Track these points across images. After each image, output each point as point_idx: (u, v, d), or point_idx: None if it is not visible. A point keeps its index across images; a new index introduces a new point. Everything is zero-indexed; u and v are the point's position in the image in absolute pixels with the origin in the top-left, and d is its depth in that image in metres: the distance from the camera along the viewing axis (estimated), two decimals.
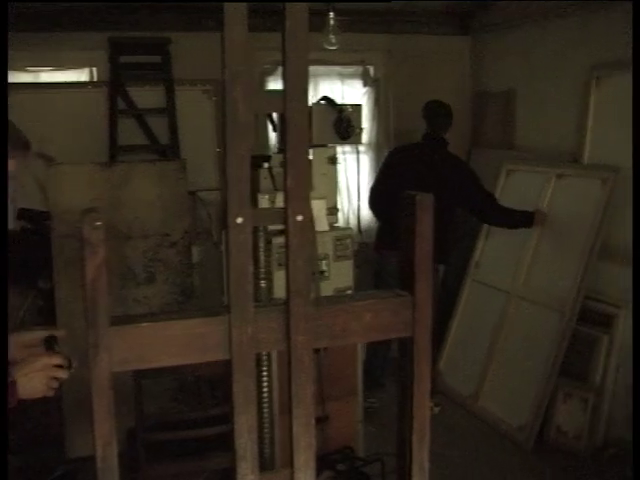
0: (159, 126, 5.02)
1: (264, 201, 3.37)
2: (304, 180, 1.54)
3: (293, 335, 1.59)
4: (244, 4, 1.50)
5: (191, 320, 1.53)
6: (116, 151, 4.88)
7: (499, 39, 5.39)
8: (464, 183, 4.56)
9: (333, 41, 4.06)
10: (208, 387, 4.33)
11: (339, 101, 5.26)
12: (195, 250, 4.41)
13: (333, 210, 3.58)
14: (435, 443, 4.32)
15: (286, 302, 1.58)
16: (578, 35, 4.62)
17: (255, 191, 3.40)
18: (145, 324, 1.48)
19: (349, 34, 5.33)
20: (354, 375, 3.64)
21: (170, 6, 4.94)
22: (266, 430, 1.81)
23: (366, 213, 5.22)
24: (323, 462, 3.47)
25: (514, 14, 5.05)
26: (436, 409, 4.77)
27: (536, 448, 4.27)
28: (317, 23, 5.24)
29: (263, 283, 1.74)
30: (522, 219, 4.60)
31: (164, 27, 4.99)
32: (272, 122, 3.69)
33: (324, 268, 3.51)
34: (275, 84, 5.27)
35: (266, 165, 3.42)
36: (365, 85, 5.45)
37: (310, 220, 1.57)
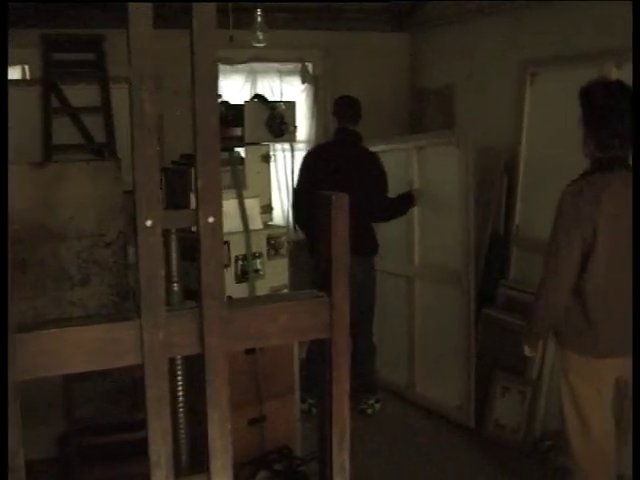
0: (95, 125, 4.94)
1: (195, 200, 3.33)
2: (215, 181, 1.52)
3: (207, 338, 1.57)
4: (149, 4, 1.47)
5: (101, 325, 1.50)
6: (50, 151, 4.79)
7: (437, 36, 5.42)
8: (376, 178, 4.56)
9: (260, 38, 4.03)
10: None
11: (277, 98, 5.30)
12: (131, 250, 4.34)
13: (267, 208, 3.56)
14: (381, 436, 4.37)
15: (199, 305, 1.56)
16: (513, 32, 4.67)
17: (187, 191, 3.37)
18: (54, 330, 1.45)
19: (287, 31, 5.33)
20: (291, 374, 3.63)
21: (105, 3, 4.86)
22: (183, 435, 1.79)
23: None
24: (260, 462, 3.45)
25: (451, 11, 5.08)
26: (377, 405, 4.79)
27: (475, 441, 4.32)
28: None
29: (176, 286, 1.70)
30: (406, 203, 4.65)
31: (98, 24, 4.91)
32: None
33: (259, 267, 3.49)
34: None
35: None
36: (304, 82, 5.43)
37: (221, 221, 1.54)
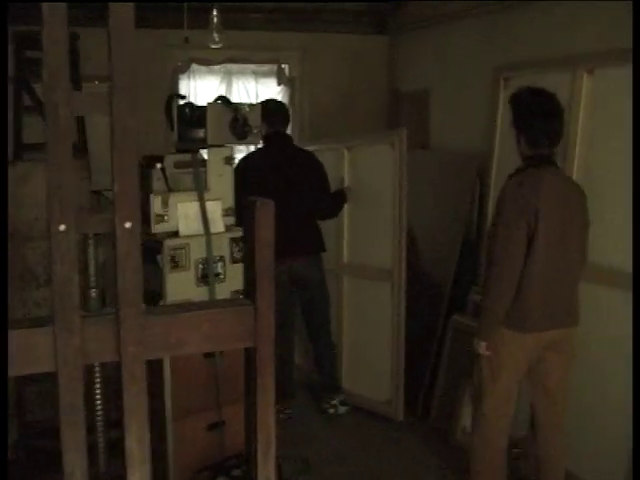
0: None
1: (157, 202, 3.30)
2: (132, 185, 1.48)
3: (123, 346, 1.53)
4: (63, 4, 1.44)
5: (17, 331, 1.47)
6: (21, 149, 4.75)
7: (414, 39, 5.39)
8: (320, 176, 4.59)
9: (216, 39, 3.99)
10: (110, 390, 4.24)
11: (253, 100, 5.27)
12: (100, 251, 4.30)
13: (230, 211, 3.52)
14: (312, 438, 4.27)
15: (116, 312, 1.53)
16: (487, 36, 4.64)
17: (148, 192, 3.34)
18: None
19: (264, 32, 5.30)
20: None
21: (78, 1, 4.81)
22: (101, 444, 1.77)
23: None
24: (219, 468, 3.41)
25: (427, 14, 5.05)
26: (342, 408, 4.77)
27: (442, 448, 4.29)
28: (237, 20, 5.21)
29: (94, 292, 1.66)
30: (341, 200, 4.70)
31: (72, 22, 4.84)
32: (170, 120, 3.61)
33: (219, 270, 3.45)
34: (187, 82, 5.19)
35: (159, 166, 3.35)
36: (279, 84, 5.39)
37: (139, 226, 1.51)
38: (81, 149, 4.89)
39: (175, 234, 3.36)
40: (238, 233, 3.53)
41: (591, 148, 3.85)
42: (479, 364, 3.37)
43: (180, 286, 3.34)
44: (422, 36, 5.29)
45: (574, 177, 3.88)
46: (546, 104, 3.20)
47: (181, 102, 3.59)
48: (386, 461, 4.20)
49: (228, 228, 3.52)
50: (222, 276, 3.46)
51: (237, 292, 3.52)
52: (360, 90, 5.52)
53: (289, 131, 4.74)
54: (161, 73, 5.10)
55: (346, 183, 4.76)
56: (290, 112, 4.70)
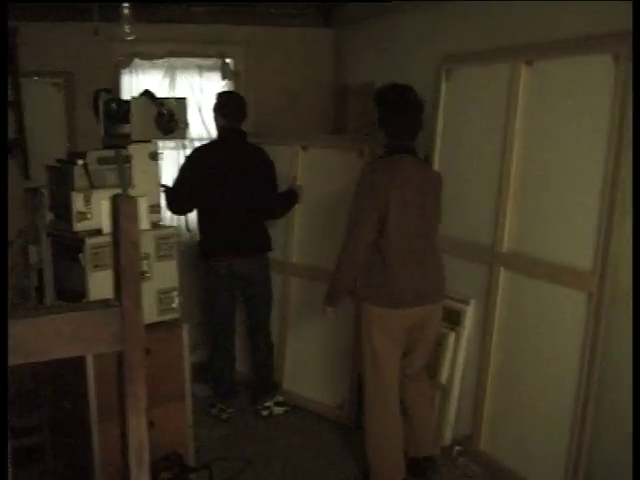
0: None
1: (78, 200, 3.22)
2: None
3: None
4: None
5: None
6: None
7: (359, 31, 5.32)
8: (269, 175, 4.55)
9: (128, 31, 3.91)
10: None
11: (197, 95, 5.19)
12: (34, 250, 4.22)
13: (156, 208, 3.45)
14: (262, 443, 4.23)
15: None
16: (429, 27, 4.59)
17: (69, 190, 3.26)
18: None
19: (208, 26, 5.22)
20: (181, 378, 3.52)
21: None
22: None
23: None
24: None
25: (371, 6, 4.98)
26: (277, 409, 4.71)
27: None
28: (180, 13, 5.13)
29: None
30: (292, 199, 4.67)
31: (11, 16, 4.75)
32: (96, 113, 3.52)
33: (145, 268, 3.38)
34: (130, 77, 5.10)
35: (80, 162, 3.28)
36: (224, 78, 5.31)
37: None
38: (20, 146, 4.80)
39: (99, 232, 3.29)
40: (164, 230, 3.46)
41: (530, 139, 3.80)
42: (360, 343, 3.67)
43: (104, 285, 3.25)
44: (366, 28, 5.22)
45: (512, 168, 3.86)
46: (406, 100, 3.52)
47: (108, 97, 3.51)
48: (329, 462, 4.14)
49: (154, 225, 3.45)
50: (148, 274, 3.40)
51: (163, 291, 3.46)
52: (307, 84, 5.45)
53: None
54: (103, 68, 5.01)
55: (298, 182, 4.70)
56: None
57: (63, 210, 3.28)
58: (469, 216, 4.21)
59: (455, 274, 4.30)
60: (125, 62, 5.06)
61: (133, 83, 5.11)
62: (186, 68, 5.24)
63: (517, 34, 3.93)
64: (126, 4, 3.73)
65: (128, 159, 3.38)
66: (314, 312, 4.67)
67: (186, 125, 3.50)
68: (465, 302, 4.21)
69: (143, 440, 1.60)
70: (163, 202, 4.66)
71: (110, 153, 3.40)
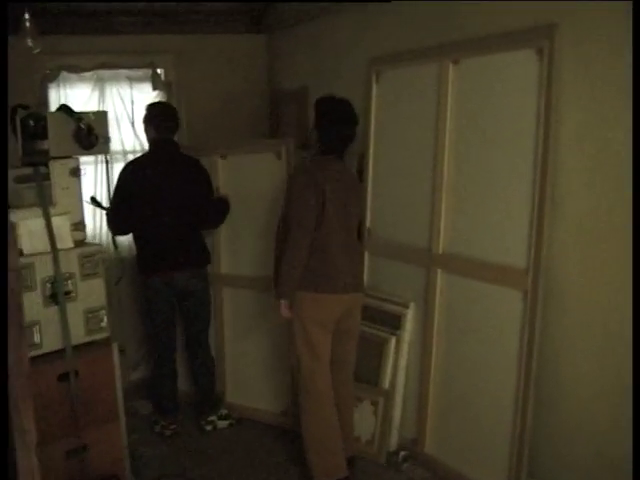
0: None
1: None
2: None
3: None
4: None
5: None
6: None
7: (289, 36, 5.27)
8: (207, 185, 4.48)
9: (31, 44, 3.80)
10: None
11: (128, 107, 5.09)
12: None
13: (79, 226, 3.35)
14: (205, 459, 4.12)
15: None
16: (358, 29, 4.55)
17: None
18: None
19: (136, 36, 5.13)
20: (113, 399, 3.43)
21: None
22: None
23: None
24: None
25: (301, 10, 4.94)
26: (221, 422, 4.63)
27: None
28: (106, 24, 5.03)
29: None
30: (225, 206, 4.59)
31: None
32: (14, 130, 3.41)
33: (70, 288, 3.28)
34: (57, 90, 4.98)
35: None
36: (155, 89, 5.21)
37: None
38: None
39: (20, 253, 3.18)
40: (89, 248, 3.37)
41: (461, 139, 3.78)
42: (294, 339, 3.77)
43: (27, 308, 3.14)
44: (297, 32, 5.16)
45: (445, 168, 3.83)
46: (343, 112, 3.73)
47: (25, 113, 3.41)
48: (272, 474, 4.07)
49: (78, 243, 3.36)
50: (73, 294, 3.30)
51: (90, 310, 3.37)
52: (240, 92, 5.38)
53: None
54: (29, 82, 4.88)
55: (222, 191, 4.60)
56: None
57: None
58: (405, 219, 4.17)
59: (394, 278, 4.28)
60: (52, 75, 4.94)
61: (61, 97, 4.98)
62: (116, 80, 5.13)
63: (444, 33, 3.90)
64: (27, 16, 3.59)
65: (47, 176, 3.27)
66: (249, 320, 4.72)
67: (106, 139, 3.40)
68: (405, 305, 4.16)
69: (35, 474, 1.52)
70: (90, 220, 4.58)
71: (28, 171, 3.29)
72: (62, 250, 3.26)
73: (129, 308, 5.04)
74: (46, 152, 3.29)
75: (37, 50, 3.77)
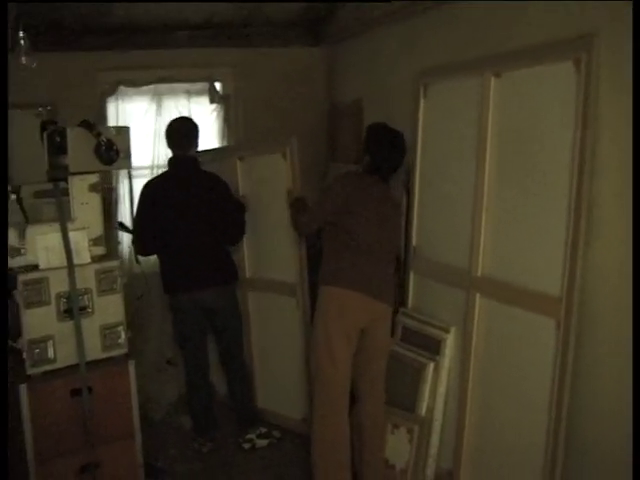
0: None
1: (11, 235, 3.15)
2: None
3: None
4: None
5: None
6: None
7: (346, 49, 5.17)
8: (227, 199, 4.35)
9: (24, 62, 3.79)
10: None
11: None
12: None
13: (98, 241, 3.35)
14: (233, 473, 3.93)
15: None
16: (408, 41, 4.41)
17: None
18: None
19: (193, 50, 5.14)
20: (129, 416, 3.40)
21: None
22: None
23: None
24: None
25: (357, 21, 4.83)
26: (260, 441, 4.54)
27: None
28: (163, 39, 5.06)
29: None
30: (241, 211, 4.50)
31: None
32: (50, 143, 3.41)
33: (86, 303, 3.28)
34: (115, 104, 5.05)
35: (13, 196, 3.21)
36: (212, 102, 5.21)
37: None
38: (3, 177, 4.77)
39: (35, 267, 3.20)
40: (108, 264, 3.36)
41: (502, 157, 3.58)
42: (314, 340, 3.77)
43: (40, 322, 3.18)
44: (352, 45, 5.06)
45: (485, 187, 3.63)
46: (392, 143, 3.87)
47: (52, 129, 3.43)
48: None
49: (97, 259, 3.35)
50: (89, 309, 3.30)
51: (107, 326, 3.35)
52: (297, 105, 5.31)
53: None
54: (88, 97, 4.97)
55: (241, 192, 4.57)
56: (197, 130, 4.32)
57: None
58: (448, 238, 3.99)
59: (437, 299, 4.10)
60: (110, 90, 5.01)
61: (119, 111, 5.05)
62: (173, 93, 5.16)
63: (487, 44, 3.73)
64: (21, 34, 3.61)
65: (67, 192, 3.28)
66: (275, 324, 4.67)
67: (127, 154, 3.38)
68: (446, 330, 3.97)
69: None
70: (125, 239, 4.61)
71: (47, 186, 3.32)
72: (79, 265, 3.26)
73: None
74: (67, 167, 3.30)
75: (33, 65, 3.79)
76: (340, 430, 3.69)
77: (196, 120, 4.40)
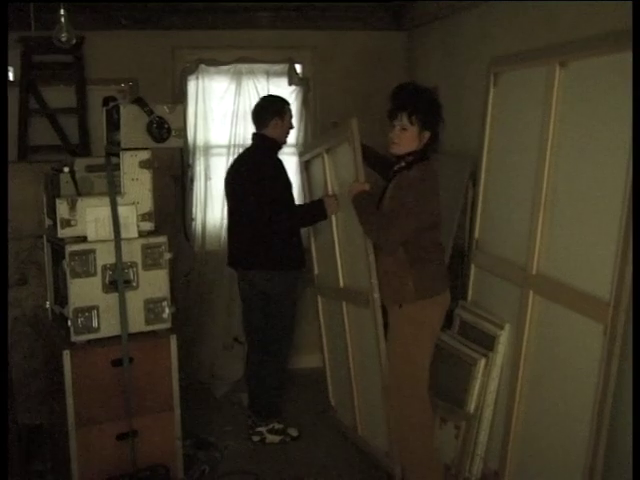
0: (73, 126, 4.99)
1: (62, 207, 3.25)
2: None
3: None
4: None
5: None
6: (26, 151, 4.88)
7: (426, 34, 5.05)
8: (255, 188, 4.14)
9: (64, 40, 3.84)
10: None
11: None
12: None
13: (147, 216, 3.41)
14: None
15: None
16: (482, 28, 4.28)
17: (55, 196, 3.31)
18: None
19: (274, 31, 5.16)
20: (169, 389, 3.46)
21: (85, 4, 4.87)
22: None
23: (212, 221, 5.20)
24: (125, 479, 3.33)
25: (438, 7, 4.72)
26: (271, 437, 4.42)
27: None
28: (246, 19, 5.11)
29: None
30: (314, 212, 4.17)
31: (78, 26, 4.91)
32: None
33: (130, 277, 3.36)
34: (196, 83, 5.13)
35: (66, 169, 3.31)
36: (291, 84, 5.21)
37: None
38: (86, 151, 4.96)
39: (85, 239, 3.30)
40: (155, 239, 3.43)
41: (563, 151, 3.43)
42: (405, 353, 3.62)
43: (86, 292, 3.28)
44: (433, 30, 4.94)
45: (544, 181, 3.50)
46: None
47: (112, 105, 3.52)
48: None
49: (145, 234, 3.42)
50: (134, 283, 3.37)
51: (151, 300, 3.43)
52: (377, 89, 5.21)
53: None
54: (169, 74, 5.08)
55: (330, 190, 4.23)
56: (262, 111, 4.28)
57: (54, 216, 3.33)
58: (509, 233, 3.87)
59: (495, 294, 4.00)
60: (191, 68, 5.09)
61: (199, 89, 5.13)
62: (253, 73, 5.19)
63: (553, 34, 3.58)
64: (62, 11, 3.68)
65: (118, 167, 3.36)
66: (359, 338, 4.23)
67: (180, 133, 3.42)
68: (500, 326, 3.86)
69: None
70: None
71: (99, 160, 3.41)
72: (126, 239, 3.33)
73: None
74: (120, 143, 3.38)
75: (73, 42, 3.87)
76: (433, 432, 3.76)
77: (282, 97, 4.41)
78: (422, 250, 3.56)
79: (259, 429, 4.41)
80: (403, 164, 3.58)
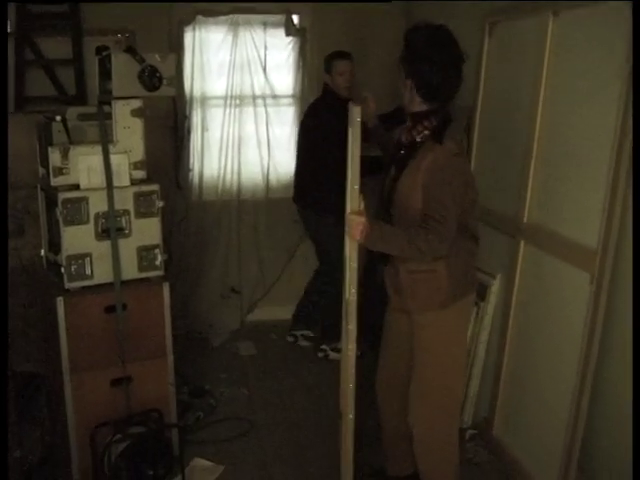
0: (69, 76, 4.98)
1: (55, 155, 3.27)
2: None
3: None
4: None
5: None
6: (23, 102, 4.88)
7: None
8: (309, 132, 4.81)
9: None
10: None
11: (261, 52, 5.12)
12: None
13: (139, 164, 3.43)
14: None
15: None
16: None
17: (48, 145, 3.32)
18: None
19: None
20: (162, 335, 3.51)
21: None
22: None
23: (209, 172, 5.29)
24: (120, 424, 3.39)
25: None
26: (334, 354, 4.76)
27: None
28: None
29: None
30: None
31: None
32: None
33: (123, 225, 3.38)
34: (193, 34, 5.10)
35: (58, 118, 3.32)
36: (288, 35, 5.18)
37: None
38: (82, 102, 4.96)
39: (77, 187, 3.33)
40: (147, 187, 3.45)
41: (554, 100, 3.43)
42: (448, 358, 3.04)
43: (79, 240, 3.31)
44: None
45: (536, 132, 3.50)
46: (449, 50, 2.81)
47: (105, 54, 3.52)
48: None
49: (137, 182, 3.44)
50: (126, 231, 3.40)
51: (144, 248, 3.46)
52: (374, 43, 5.21)
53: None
54: (165, 26, 5.05)
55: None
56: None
57: (47, 165, 3.35)
58: (501, 185, 3.90)
59: (486, 245, 3.99)
60: (188, 19, 5.06)
61: (196, 40, 5.11)
62: (250, 24, 5.15)
63: None
64: None
65: (110, 116, 3.37)
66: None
67: (171, 81, 3.42)
68: (492, 276, 3.91)
69: None
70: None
71: (91, 109, 3.42)
72: (118, 187, 3.36)
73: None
74: (111, 92, 3.39)
75: None
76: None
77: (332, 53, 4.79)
78: (459, 237, 2.86)
79: (323, 347, 4.92)
80: (418, 139, 2.89)
